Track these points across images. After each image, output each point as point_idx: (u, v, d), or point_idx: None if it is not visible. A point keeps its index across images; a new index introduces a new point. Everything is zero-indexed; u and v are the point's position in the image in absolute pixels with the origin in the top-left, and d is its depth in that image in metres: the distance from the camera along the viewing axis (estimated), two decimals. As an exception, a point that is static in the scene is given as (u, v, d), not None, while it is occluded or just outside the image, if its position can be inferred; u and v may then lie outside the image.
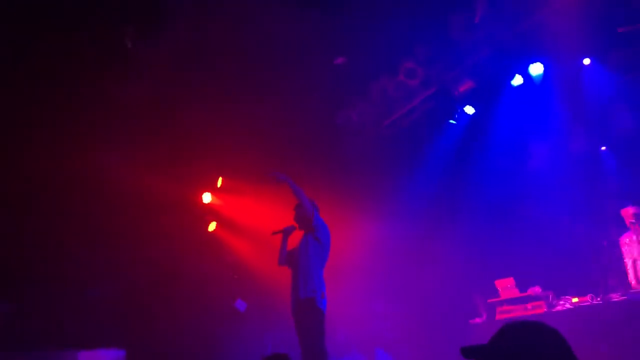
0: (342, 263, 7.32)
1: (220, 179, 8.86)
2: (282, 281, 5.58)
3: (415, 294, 8.63)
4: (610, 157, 7.52)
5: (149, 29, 6.65)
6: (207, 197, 8.81)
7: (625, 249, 5.92)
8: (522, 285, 6.82)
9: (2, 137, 6.58)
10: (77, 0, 6.12)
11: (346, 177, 8.89)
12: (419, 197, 8.78)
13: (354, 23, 6.92)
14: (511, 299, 6.83)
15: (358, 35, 7.13)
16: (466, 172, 8.59)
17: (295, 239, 5.67)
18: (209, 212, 8.88)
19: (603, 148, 7.78)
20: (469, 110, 8.30)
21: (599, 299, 6.06)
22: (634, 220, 5.82)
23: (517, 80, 7.60)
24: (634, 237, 5.80)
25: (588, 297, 6.20)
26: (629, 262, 5.86)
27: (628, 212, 5.88)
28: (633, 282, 5.80)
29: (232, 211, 8.94)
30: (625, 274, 6.13)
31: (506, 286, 6.90)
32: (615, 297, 5.98)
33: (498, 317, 6.89)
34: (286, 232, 5.67)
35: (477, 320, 7.21)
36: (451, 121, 8.55)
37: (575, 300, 6.34)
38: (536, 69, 7.41)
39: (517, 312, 6.68)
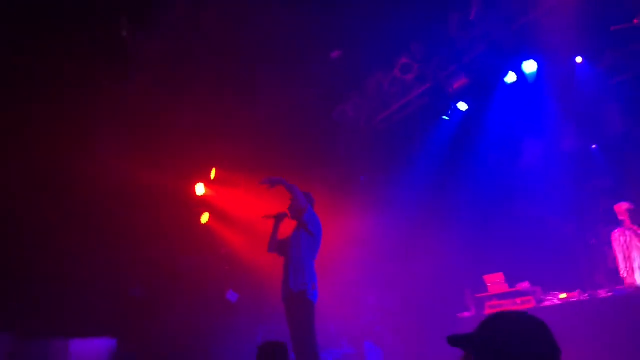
0: (334, 256, 7.37)
1: (213, 171, 8.86)
2: (274, 272, 5.62)
3: (405, 287, 8.71)
4: (601, 155, 7.61)
5: (143, 20, 6.63)
6: (200, 189, 8.81)
7: (616, 244, 5.99)
8: (511, 281, 6.90)
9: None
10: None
11: (339, 171, 8.93)
12: (411, 192, 8.84)
13: (350, 18, 6.94)
14: (500, 294, 6.91)
15: (354, 30, 7.15)
16: (458, 167, 8.65)
17: (288, 227, 5.68)
18: (202, 204, 8.89)
19: (594, 146, 7.87)
20: (462, 106, 8.35)
21: (586, 294, 6.15)
22: (626, 216, 5.89)
23: (511, 78, 7.65)
24: (626, 233, 5.88)
25: (576, 293, 6.28)
26: (620, 257, 5.94)
27: (621, 207, 5.95)
28: (625, 275, 5.86)
29: (225, 203, 8.95)
30: (613, 270, 6.22)
31: (495, 281, 6.98)
32: (602, 293, 6.07)
33: (487, 311, 6.96)
34: (278, 218, 5.66)
35: (466, 314, 7.29)
36: (444, 117, 8.60)
37: (563, 295, 6.43)
38: (530, 67, 7.46)
39: (506, 307, 6.76)
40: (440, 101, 8.43)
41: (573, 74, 7.35)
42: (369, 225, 8.76)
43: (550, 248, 7.25)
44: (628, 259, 5.71)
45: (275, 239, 5.63)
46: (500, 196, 8.05)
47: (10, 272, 6.86)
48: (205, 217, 8.81)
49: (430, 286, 8.34)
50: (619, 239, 5.88)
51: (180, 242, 8.25)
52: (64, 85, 6.73)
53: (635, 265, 5.76)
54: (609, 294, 5.97)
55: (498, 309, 6.77)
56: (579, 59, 7.29)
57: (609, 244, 6.39)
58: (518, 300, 6.68)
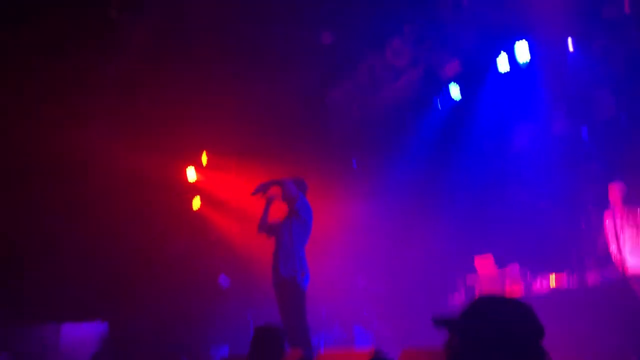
0: (325, 240, 7.39)
1: (204, 155, 8.82)
2: (266, 258, 5.61)
3: (395, 272, 8.76)
4: (591, 140, 7.64)
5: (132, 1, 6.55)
6: (191, 174, 8.77)
7: (608, 225, 6.04)
8: (500, 263, 6.97)
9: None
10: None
11: (330, 155, 8.93)
12: (402, 176, 8.86)
13: (341, 2, 6.88)
14: (490, 277, 6.98)
15: (346, 14, 7.09)
16: (450, 152, 8.67)
17: (279, 210, 5.65)
18: (193, 189, 8.86)
19: (584, 131, 7.89)
20: (455, 92, 8.34)
21: (575, 276, 6.22)
22: (618, 197, 5.92)
23: (503, 64, 7.63)
24: (618, 213, 5.92)
25: (564, 275, 6.36)
26: (611, 238, 5.99)
27: (614, 188, 5.98)
28: (616, 254, 5.90)
29: (217, 187, 8.93)
30: (602, 252, 6.28)
31: (485, 263, 7.04)
32: (591, 275, 6.14)
33: (477, 294, 7.03)
34: (269, 200, 5.57)
35: (456, 297, 7.36)
36: (437, 102, 8.60)
37: (552, 277, 6.49)
38: (521, 52, 7.44)
39: (495, 289, 6.83)
40: (433, 85, 8.42)
41: (564, 58, 7.35)
42: (360, 209, 8.78)
43: (540, 232, 7.30)
44: (619, 239, 5.75)
45: (266, 219, 5.57)
46: (491, 181, 8.07)
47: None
48: (196, 203, 8.79)
49: (421, 270, 8.39)
50: (611, 220, 5.92)
51: (171, 228, 8.24)
52: (50, 67, 6.64)
53: (627, 246, 5.80)
54: (598, 278, 6.04)
55: (487, 292, 6.86)
56: (570, 43, 7.29)
57: (599, 227, 6.45)
58: (507, 283, 6.76)
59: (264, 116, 8.27)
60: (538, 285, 6.57)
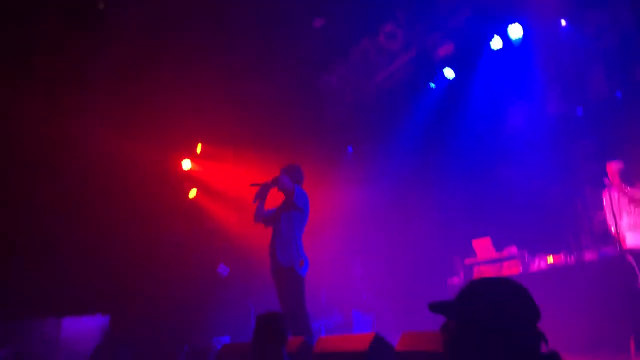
0: (322, 225, 7.40)
1: (199, 145, 8.79)
2: (264, 245, 5.60)
3: (393, 254, 8.79)
4: (586, 119, 7.63)
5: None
6: (186, 164, 8.75)
7: (606, 203, 6.04)
8: (498, 245, 6.99)
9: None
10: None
11: (325, 141, 8.91)
12: (398, 160, 8.85)
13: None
14: (487, 259, 7.01)
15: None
16: (445, 134, 8.66)
17: (277, 198, 5.64)
18: (189, 179, 8.84)
19: (579, 110, 7.88)
20: (449, 73, 8.31)
21: (572, 257, 6.25)
22: (616, 175, 5.92)
23: (497, 44, 7.60)
24: (616, 191, 5.92)
25: (562, 255, 6.38)
26: (609, 216, 6.00)
27: (612, 166, 5.98)
28: (614, 232, 5.91)
29: (213, 177, 8.91)
30: (599, 232, 6.30)
31: (483, 245, 7.06)
32: (588, 255, 6.16)
33: (475, 276, 7.07)
34: (264, 187, 5.48)
35: (455, 279, 7.39)
36: (430, 84, 8.57)
37: (549, 258, 6.52)
38: (515, 31, 7.41)
39: (494, 272, 6.86)
40: (427, 68, 8.39)
41: (557, 36, 7.31)
42: (356, 194, 8.79)
43: (537, 211, 7.32)
44: (617, 217, 5.77)
45: (262, 209, 5.53)
46: (487, 162, 8.08)
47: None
48: (192, 193, 8.78)
49: (419, 253, 8.42)
50: (609, 198, 5.92)
51: (169, 219, 8.22)
52: (42, 55, 6.57)
53: (624, 223, 5.82)
54: (595, 257, 6.07)
55: (486, 274, 6.89)
56: (563, 22, 7.26)
57: (595, 205, 6.46)
58: (505, 265, 6.78)
59: (258, 104, 8.22)
60: (536, 265, 6.60)
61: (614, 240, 5.84)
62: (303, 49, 7.82)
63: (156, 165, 8.17)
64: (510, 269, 6.72)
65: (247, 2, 6.89)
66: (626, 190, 5.79)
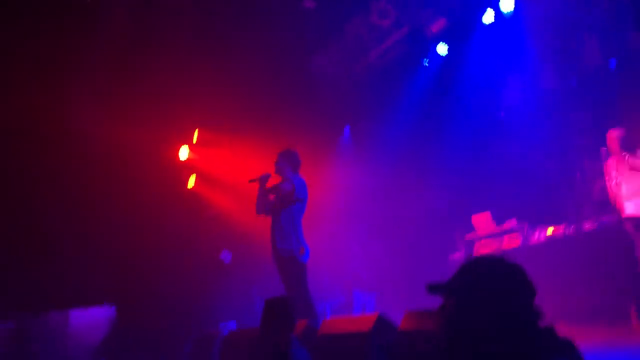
0: (322, 205, 7.42)
1: (196, 133, 8.75)
2: (266, 232, 5.62)
3: (393, 232, 8.83)
4: (582, 91, 7.60)
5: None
6: (184, 152, 8.72)
7: (606, 172, 6.05)
8: (499, 219, 7.02)
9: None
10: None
11: (321, 121, 8.88)
12: (394, 138, 8.84)
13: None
14: (488, 234, 7.04)
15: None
16: (440, 110, 8.63)
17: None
18: (188, 167, 8.82)
19: (573, 80, 7.85)
20: (442, 50, 8.25)
21: (572, 227, 6.28)
22: (616, 143, 5.91)
23: (489, 18, 7.53)
24: (615, 160, 5.92)
25: (562, 227, 6.42)
26: (609, 184, 6.01)
27: (612, 134, 5.97)
28: (614, 200, 5.92)
29: (211, 164, 8.89)
30: (598, 202, 6.33)
31: (483, 220, 7.09)
32: (587, 224, 6.20)
33: (476, 251, 7.12)
34: (262, 180, 5.47)
35: (457, 255, 7.44)
36: (424, 62, 8.51)
37: (550, 229, 6.55)
38: (507, 4, 7.33)
39: (494, 246, 6.91)
40: (420, 44, 8.32)
41: (549, 7, 7.24)
42: (354, 173, 8.79)
43: (536, 185, 7.34)
44: (617, 185, 5.78)
45: (262, 201, 5.49)
46: (483, 137, 8.08)
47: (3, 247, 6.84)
48: (191, 181, 8.76)
49: (420, 230, 8.46)
50: (609, 166, 5.93)
51: (170, 207, 8.22)
52: (36, 44, 6.50)
53: (623, 191, 5.82)
54: (594, 226, 6.11)
55: (487, 249, 6.94)
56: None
57: (594, 175, 6.47)
58: (506, 239, 6.82)
59: (252, 89, 8.17)
60: (536, 237, 6.64)
61: (613, 208, 5.86)
62: (295, 30, 7.75)
63: (155, 155, 8.15)
64: (511, 242, 6.77)
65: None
66: (626, 158, 5.78)
